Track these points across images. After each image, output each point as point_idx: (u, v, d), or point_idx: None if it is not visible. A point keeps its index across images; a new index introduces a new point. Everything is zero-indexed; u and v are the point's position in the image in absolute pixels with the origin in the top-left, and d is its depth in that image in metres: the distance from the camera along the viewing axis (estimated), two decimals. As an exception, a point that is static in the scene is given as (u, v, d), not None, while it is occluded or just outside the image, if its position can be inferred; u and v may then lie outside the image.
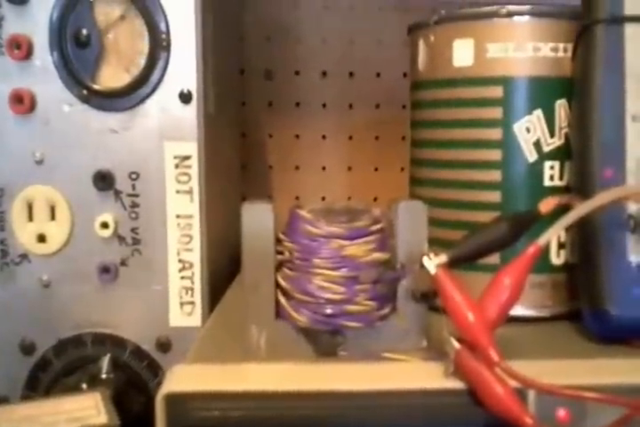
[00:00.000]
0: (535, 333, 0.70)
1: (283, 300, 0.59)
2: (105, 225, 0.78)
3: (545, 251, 0.68)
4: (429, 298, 0.58)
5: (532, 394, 0.54)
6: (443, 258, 0.55)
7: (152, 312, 0.79)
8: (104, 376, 0.77)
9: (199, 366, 0.57)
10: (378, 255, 0.60)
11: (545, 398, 0.54)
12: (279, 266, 0.60)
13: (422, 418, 0.55)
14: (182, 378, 0.56)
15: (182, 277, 0.79)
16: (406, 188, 0.82)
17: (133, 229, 0.79)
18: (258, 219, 0.60)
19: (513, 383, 0.52)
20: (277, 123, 1.15)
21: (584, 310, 0.66)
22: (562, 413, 0.54)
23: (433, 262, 0.54)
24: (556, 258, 0.71)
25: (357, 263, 0.59)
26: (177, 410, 0.53)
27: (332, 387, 0.55)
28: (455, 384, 0.55)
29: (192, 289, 0.79)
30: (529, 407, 0.53)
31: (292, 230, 0.60)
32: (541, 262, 0.70)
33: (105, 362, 0.77)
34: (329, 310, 0.58)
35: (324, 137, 1.14)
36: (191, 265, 0.79)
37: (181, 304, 0.79)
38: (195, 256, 0.79)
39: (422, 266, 0.55)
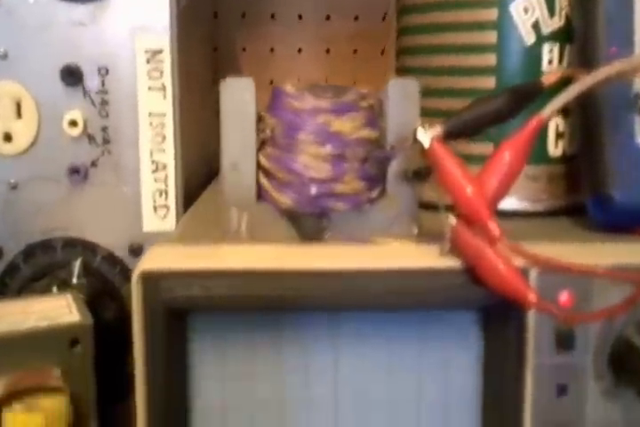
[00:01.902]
0: (530, 227, 0.67)
1: (264, 181, 0.54)
2: (73, 123, 0.74)
3: (541, 141, 0.66)
4: (422, 176, 0.53)
5: (533, 275, 0.52)
6: (438, 129, 0.50)
7: (124, 216, 0.76)
8: (75, 282, 0.74)
9: (177, 245, 0.53)
10: (366, 132, 0.57)
11: (547, 280, 0.52)
12: (261, 146, 0.55)
13: (415, 299, 0.52)
14: (159, 257, 0.53)
15: (155, 180, 0.75)
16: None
17: (104, 129, 0.75)
18: (238, 95, 0.56)
19: (515, 262, 0.49)
20: (251, 36, 1.06)
21: (586, 198, 0.63)
22: (565, 296, 0.51)
23: (427, 134, 0.49)
24: (554, 148, 0.67)
25: (345, 140, 0.56)
26: (153, 289, 0.50)
27: (318, 266, 0.51)
28: (451, 263, 0.52)
29: (166, 192, 0.76)
30: (530, 289, 0.48)
31: (275, 107, 0.56)
32: (537, 153, 0.67)
33: (76, 267, 0.75)
34: (314, 190, 0.53)
35: (299, 50, 1.07)
36: (164, 166, 0.75)
37: (155, 208, 0.76)
38: (168, 157, 0.75)
39: (415, 140, 0.49)
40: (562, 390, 0.54)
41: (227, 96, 0.56)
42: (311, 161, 0.55)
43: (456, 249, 0.52)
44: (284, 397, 0.54)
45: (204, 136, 0.82)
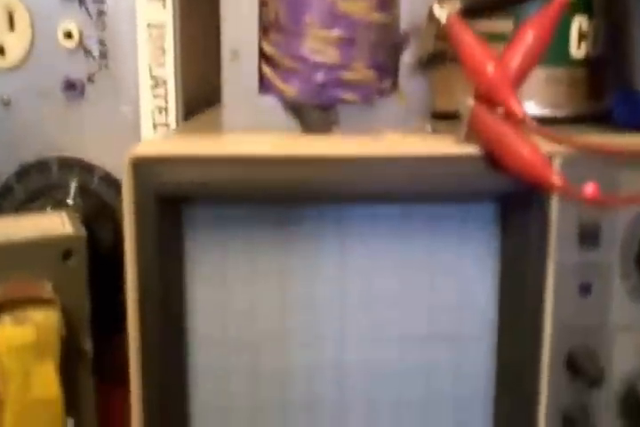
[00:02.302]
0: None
1: (268, 70, 0.51)
2: (68, 35, 0.70)
3: (563, 41, 0.62)
4: (438, 60, 0.49)
5: (557, 163, 0.48)
6: (456, 5, 0.47)
7: (122, 135, 0.72)
8: (71, 202, 0.71)
9: (173, 135, 0.49)
10: (378, 16, 0.53)
11: (572, 169, 0.49)
12: (264, 32, 0.52)
13: (431, 187, 0.49)
14: (153, 144, 0.50)
15: (155, 96, 0.71)
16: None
17: (100, 41, 0.71)
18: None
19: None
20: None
21: (612, 99, 0.59)
22: (590, 187, 0.46)
23: (445, 10, 0.45)
24: (576, 49, 0.63)
25: (354, 22, 0.52)
26: (145, 175, 0.47)
27: (324, 152, 0.48)
28: (469, 150, 0.49)
29: (166, 109, 0.71)
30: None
31: (279, -13, 0.49)
32: (559, 54, 0.63)
33: (72, 189, 0.71)
34: (321, 77, 0.49)
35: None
36: (164, 82, 0.71)
37: (154, 126, 0.71)
38: (168, 72, 0.71)
39: (432, 19, 0.45)
40: (585, 289, 0.50)
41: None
42: (318, 45, 0.52)
43: (474, 134, 0.48)
44: (288, 298, 0.51)
45: (207, 47, 0.77)
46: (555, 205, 0.48)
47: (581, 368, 0.49)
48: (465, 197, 0.49)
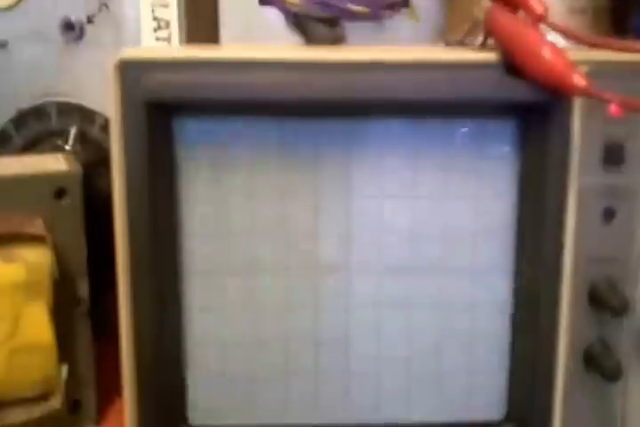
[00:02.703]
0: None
1: None
2: (67, -27, 0.63)
3: None
4: None
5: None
6: None
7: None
8: (70, 149, 0.67)
9: (163, 46, 0.45)
10: None
11: (598, 77, 0.44)
12: None
13: (447, 95, 0.45)
14: (144, 49, 0.46)
15: (157, 39, 0.67)
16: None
17: (101, -20, 0.63)
18: None
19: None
20: None
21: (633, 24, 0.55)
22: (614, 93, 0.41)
23: None
24: (601, -24, 0.57)
25: None
26: (134, 79, 0.44)
27: (332, 57, 0.44)
28: (487, 56, 0.45)
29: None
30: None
31: None
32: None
33: (71, 135, 0.68)
34: None
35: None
36: (167, 24, 0.67)
37: (157, 70, 0.63)
38: (172, 13, 0.67)
39: None
40: (609, 214, 0.47)
41: None
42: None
43: (493, 37, 0.45)
44: (289, 220, 0.48)
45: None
46: (577, 123, 0.45)
47: (604, 298, 0.45)
48: (482, 109, 0.46)
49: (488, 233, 0.47)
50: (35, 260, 0.51)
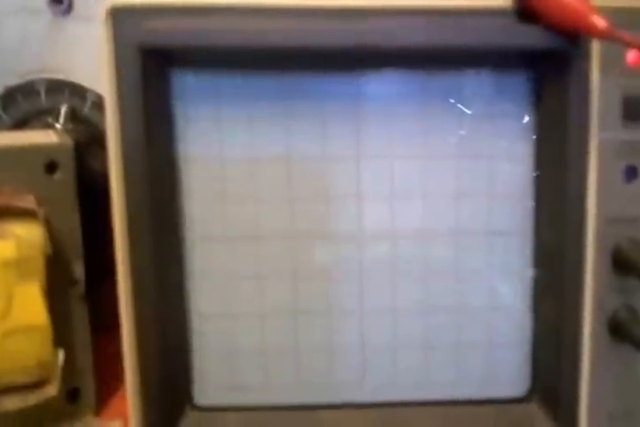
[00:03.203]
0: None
1: None
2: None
3: None
4: None
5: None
6: None
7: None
8: (61, 127, 0.65)
9: None
10: None
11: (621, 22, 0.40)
12: None
13: (462, 38, 0.43)
14: None
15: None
16: None
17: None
18: None
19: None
20: None
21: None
22: (633, 54, 0.41)
23: None
24: None
25: None
26: (125, 25, 0.41)
27: (339, 3, 0.42)
28: (500, 2, 0.42)
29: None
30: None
31: None
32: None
33: (62, 113, 0.65)
34: None
35: None
36: None
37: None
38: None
39: None
40: (631, 172, 0.45)
41: None
42: None
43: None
44: (294, 186, 0.46)
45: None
46: (595, 73, 0.43)
47: (629, 261, 0.42)
48: (495, 59, 0.44)
49: (504, 195, 0.45)
50: (26, 236, 0.49)
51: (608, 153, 0.43)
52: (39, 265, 0.48)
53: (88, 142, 0.63)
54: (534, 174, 0.45)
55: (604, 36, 0.38)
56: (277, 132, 0.43)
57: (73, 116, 0.65)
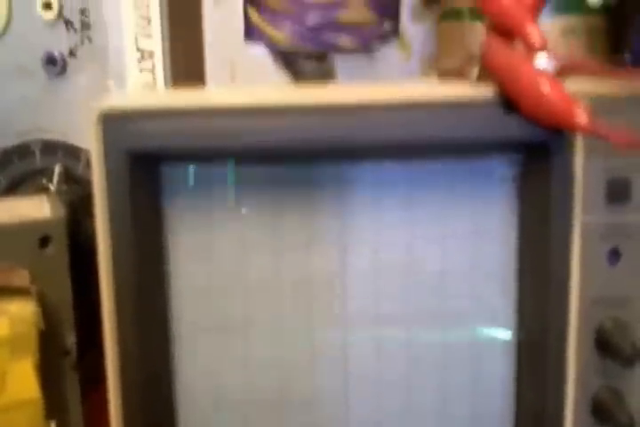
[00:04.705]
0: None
1: (255, 14, 0.43)
2: (47, 5, 0.65)
3: None
4: None
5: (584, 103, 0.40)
6: None
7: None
8: (55, 189, 0.65)
9: (147, 90, 0.43)
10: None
11: (601, 110, 0.42)
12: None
13: (443, 132, 0.43)
14: (123, 96, 0.47)
15: (142, 70, 0.65)
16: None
17: (82, 11, 0.65)
18: None
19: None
20: None
21: (634, 48, 0.54)
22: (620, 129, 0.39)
23: None
24: (593, -6, 0.55)
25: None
26: (118, 131, 0.42)
27: (321, 100, 0.42)
28: (483, 92, 0.43)
29: (153, 84, 0.65)
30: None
31: None
32: (574, 1, 0.57)
33: (56, 174, 0.66)
34: (314, 19, 0.42)
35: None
36: (151, 55, 0.65)
37: (143, 103, 0.60)
38: (155, 43, 0.65)
39: None
40: (615, 255, 0.45)
41: None
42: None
43: (488, 72, 0.42)
44: (282, 274, 0.46)
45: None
46: (579, 159, 0.43)
47: (613, 345, 0.43)
48: (478, 148, 0.44)
49: (488, 275, 0.45)
50: (19, 312, 0.49)
51: (592, 236, 0.43)
52: (32, 340, 0.49)
53: (81, 201, 0.63)
54: (518, 255, 0.45)
55: (585, 132, 0.38)
56: (265, 220, 0.44)
57: (67, 175, 0.65)
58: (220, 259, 0.44)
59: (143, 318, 0.43)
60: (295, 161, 0.43)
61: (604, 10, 0.58)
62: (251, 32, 0.44)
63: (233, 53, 0.44)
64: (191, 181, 0.43)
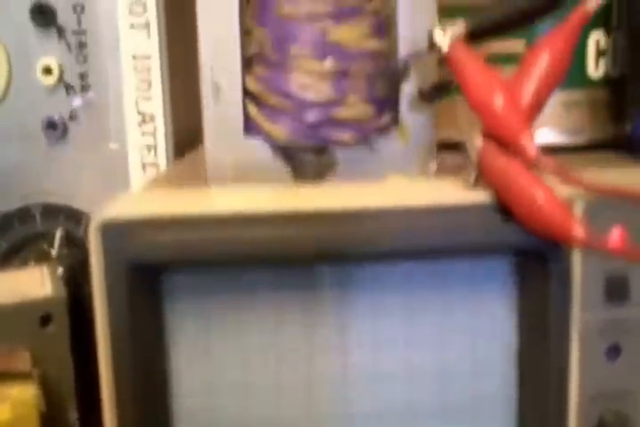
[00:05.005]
0: (571, 162, 0.53)
1: (254, 109, 0.44)
2: (48, 71, 0.65)
3: (579, 60, 0.57)
4: (442, 91, 0.42)
5: (579, 207, 0.42)
6: (460, 28, 0.42)
7: (110, 177, 0.66)
8: (56, 253, 0.65)
9: (147, 191, 0.43)
10: (373, 43, 0.47)
11: (596, 213, 0.42)
12: (247, 66, 0.46)
13: (440, 238, 0.43)
14: (124, 204, 0.44)
15: (143, 133, 0.65)
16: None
17: (82, 76, 0.65)
18: (217, 2, 0.46)
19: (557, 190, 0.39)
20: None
21: (635, 121, 0.53)
22: (617, 233, 0.39)
23: (447, 36, 0.39)
24: (594, 69, 0.58)
25: (347, 52, 0.46)
26: (117, 242, 0.42)
27: (320, 205, 0.42)
28: (479, 198, 0.43)
29: (155, 147, 0.66)
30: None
31: (263, 14, 0.46)
32: (575, 75, 0.57)
33: (57, 238, 0.66)
34: (313, 116, 0.43)
35: None
36: (152, 118, 0.65)
37: (143, 166, 0.66)
38: (156, 107, 0.65)
39: (433, 46, 0.42)
40: (615, 351, 0.44)
41: (204, 4, 0.47)
42: (307, 79, 0.46)
43: (484, 178, 0.42)
44: (283, 377, 0.45)
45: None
46: (577, 258, 0.43)
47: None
48: (475, 253, 0.44)
49: (488, 373, 0.45)
50: (21, 396, 0.49)
51: (591, 333, 0.43)
52: (34, 423, 0.48)
53: (83, 267, 0.62)
54: (518, 353, 0.45)
55: (582, 246, 0.38)
56: (266, 322, 0.44)
57: (68, 240, 0.65)
58: (221, 363, 0.44)
59: (144, 421, 0.42)
60: (295, 267, 0.43)
61: (607, 82, 0.57)
62: (250, 126, 0.43)
63: (232, 145, 0.44)
64: (191, 289, 0.43)
